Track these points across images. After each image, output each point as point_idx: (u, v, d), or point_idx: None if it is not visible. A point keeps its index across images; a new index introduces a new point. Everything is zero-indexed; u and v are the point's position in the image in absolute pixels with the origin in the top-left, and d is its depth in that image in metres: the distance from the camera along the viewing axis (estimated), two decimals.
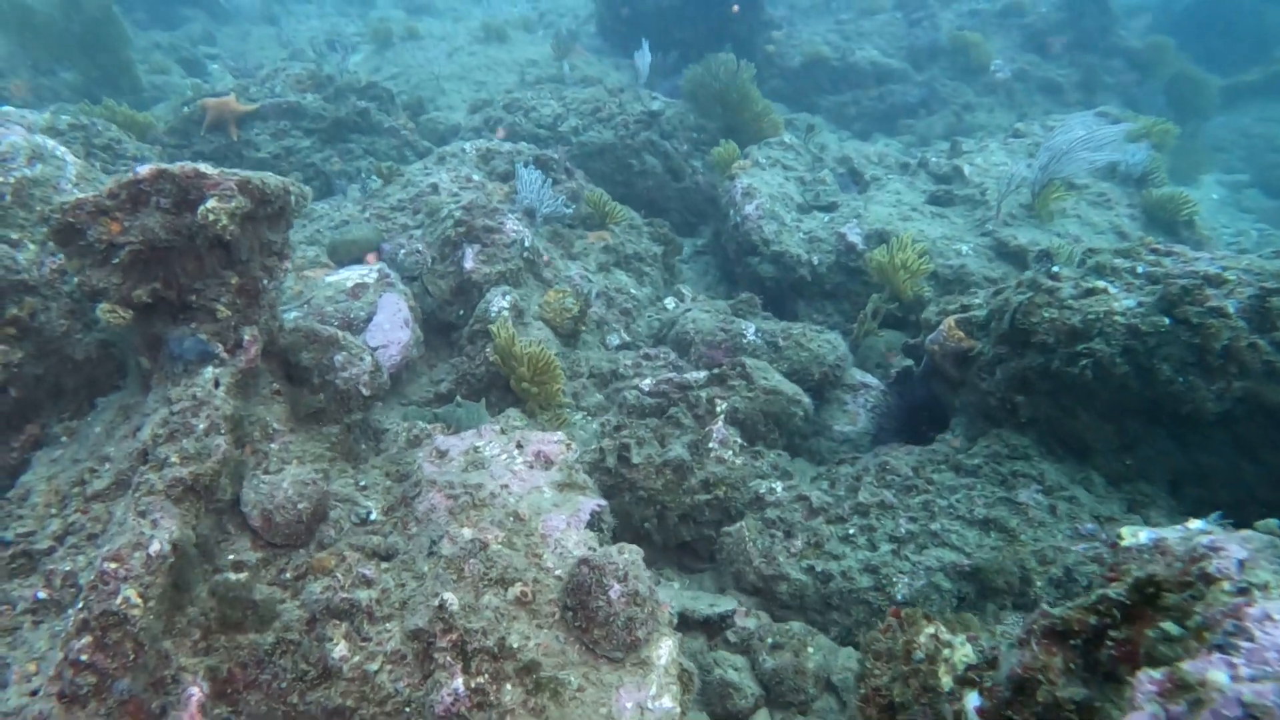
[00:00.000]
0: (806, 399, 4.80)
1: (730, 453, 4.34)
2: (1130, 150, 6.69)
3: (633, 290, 5.98)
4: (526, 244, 5.12)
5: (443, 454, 3.38)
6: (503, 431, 3.51)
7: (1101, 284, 3.60)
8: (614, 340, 5.56)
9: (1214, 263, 3.67)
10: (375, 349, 4.33)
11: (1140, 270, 3.67)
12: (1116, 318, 3.39)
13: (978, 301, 4.35)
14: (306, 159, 6.69)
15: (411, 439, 3.56)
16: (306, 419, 3.33)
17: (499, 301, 4.58)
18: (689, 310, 5.67)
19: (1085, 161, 6.05)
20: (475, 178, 5.84)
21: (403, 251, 4.89)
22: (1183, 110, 11.75)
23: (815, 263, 6.16)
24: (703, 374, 4.77)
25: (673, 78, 12.30)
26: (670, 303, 6.28)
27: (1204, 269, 3.45)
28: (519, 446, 3.41)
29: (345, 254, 4.75)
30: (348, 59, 9.75)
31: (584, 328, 5.09)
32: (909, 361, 5.34)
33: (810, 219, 6.60)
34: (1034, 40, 12.06)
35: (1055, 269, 3.83)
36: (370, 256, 4.84)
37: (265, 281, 3.09)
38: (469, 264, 4.79)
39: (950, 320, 4.18)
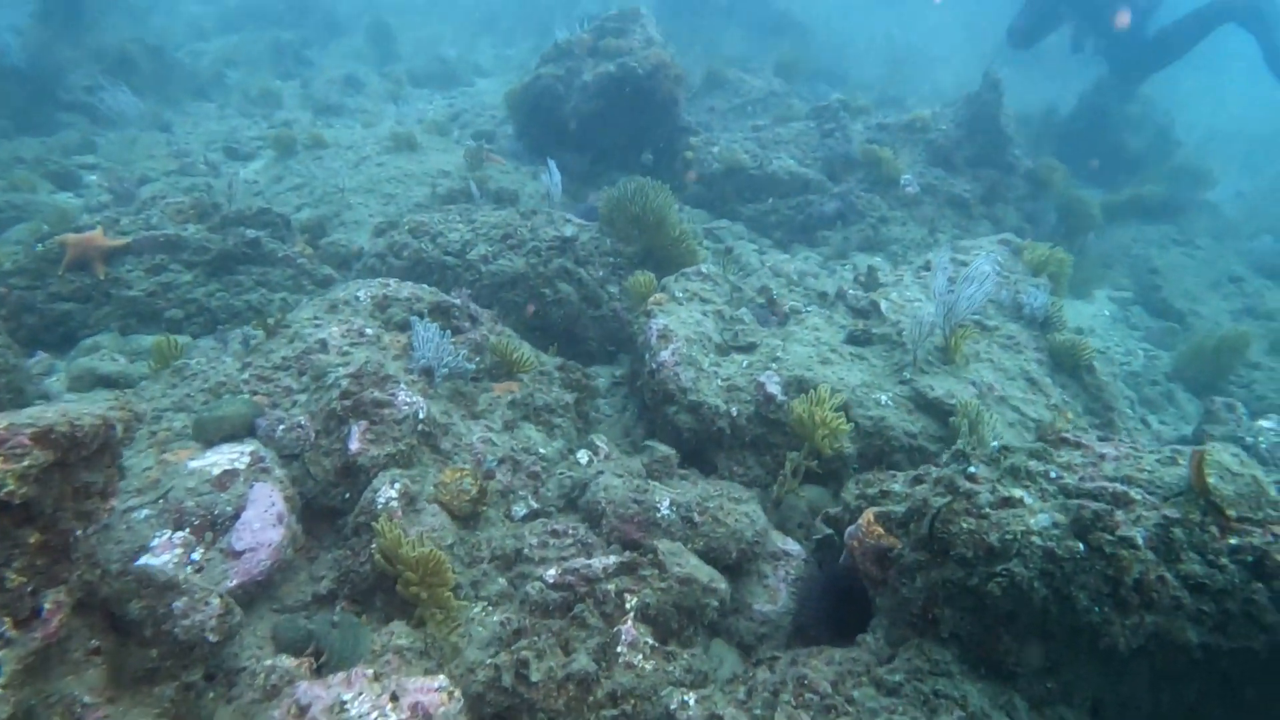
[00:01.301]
0: (723, 585, 4.58)
1: (640, 656, 4.06)
2: (1033, 293, 6.88)
3: (541, 449, 5.71)
4: (421, 415, 4.82)
5: (303, 711, 2.99)
6: (376, 678, 3.14)
7: (1018, 493, 3.53)
8: (520, 510, 5.25)
9: (1119, 465, 3.66)
10: (242, 553, 3.92)
11: (1053, 475, 3.62)
12: (1034, 539, 3.30)
13: (897, 488, 4.24)
14: (187, 295, 6.28)
15: (269, 688, 3.15)
16: (135, 680, 2.90)
17: (386, 491, 4.23)
18: (601, 475, 5.42)
19: (978, 303, 6.19)
20: (369, 331, 5.54)
21: (282, 427, 4.51)
22: (1072, 225, 12.42)
23: (734, 414, 6.02)
24: (612, 560, 4.50)
25: (592, 185, 12.37)
26: (583, 456, 6.02)
27: (1111, 487, 3.41)
28: (394, 699, 3.05)
29: (215, 432, 4.35)
30: (242, 171, 9.42)
31: (485, 507, 4.77)
32: (829, 530, 5.19)
33: (729, 363, 6.50)
34: (939, 155, 12.61)
35: (972, 469, 3.74)
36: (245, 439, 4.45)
37: (81, 531, 2.70)
38: (355, 445, 4.45)
39: (869, 514, 4.04)
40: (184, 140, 10.47)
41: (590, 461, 6.00)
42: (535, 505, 5.37)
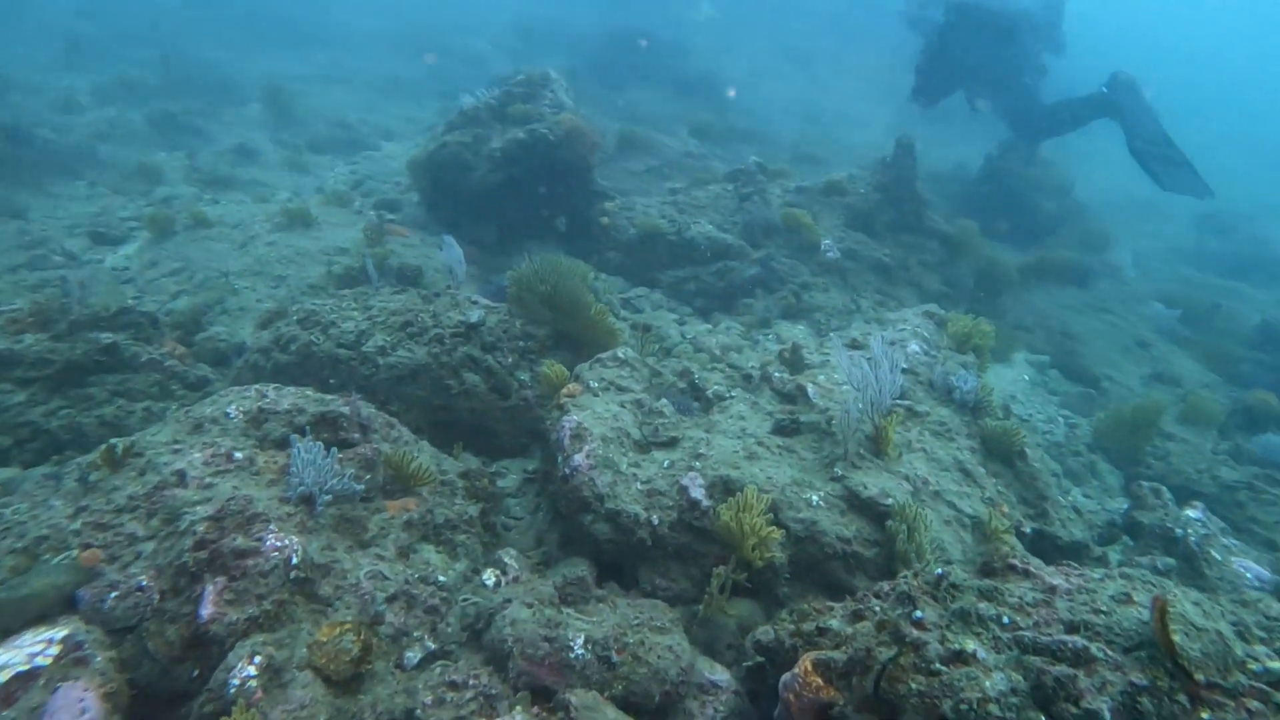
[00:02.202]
0: None
1: None
2: (963, 376, 6.71)
3: (441, 576, 5.13)
4: (295, 560, 4.21)
5: None
6: None
7: (970, 645, 3.16)
8: (414, 656, 4.65)
9: (1073, 605, 3.36)
10: None
11: (1005, 622, 3.28)
12: (991, 708, 2.92)
13: (836, 625, 3.84)
14: (19, 417, 5.51)
15: None
16: None
17: (243, 670, 3.59)
18: (508, 605, 4.87)
19: (898, 388, 6.00)
20: (239, 454, 4.90)
21: (114, 595, 3.81)
22: (989, 289, 12.61)
23: (655, 522, 5.58)
24: None
25: (503, 255, 11.95)
26: (489, 578, 5.46)
27: (1071, 643, 3.08)
28: None
29: (15, 617, 3.62)
30: (110, 257, 8.63)
31: (369, 666, 4.16)
32: (761, 659, 4.75)
33: (649, 462, 6.07)
34: (859, 219, 12.68)
35: (919, 615, 3.38)
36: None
37: None
38: (208, 609, 3.80)
39: (807, 662, 3.62)
40: (41, 226, 9.54)
41: (498, 584, 5.44)
42: (433, 646, 4.77)
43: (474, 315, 7.75)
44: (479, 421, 7.47)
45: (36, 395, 5.59)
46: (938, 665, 3.11)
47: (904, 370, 6.13)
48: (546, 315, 8.19)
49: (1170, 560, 6.07)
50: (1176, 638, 2.93)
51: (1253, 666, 3.01)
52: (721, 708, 4.62)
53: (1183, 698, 2.81)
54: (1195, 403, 9.99)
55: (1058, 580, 3.56)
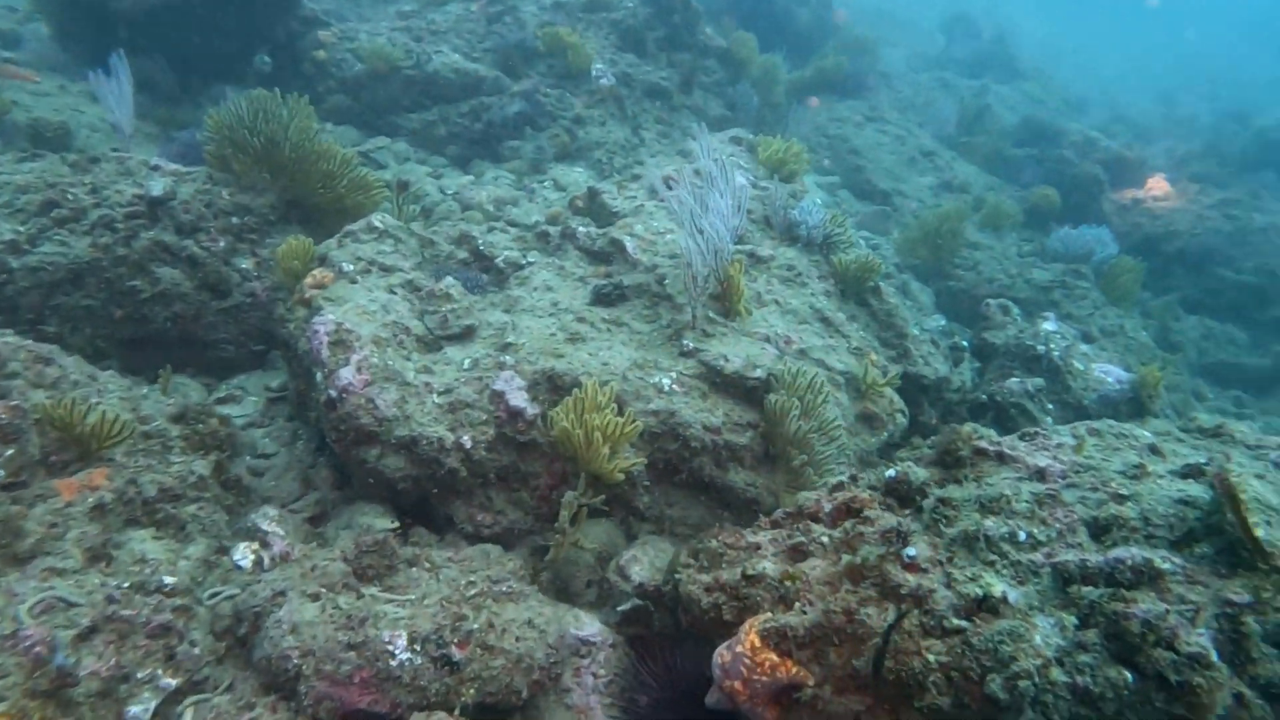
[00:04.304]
0: None
1: None
2: (808, 209, 5.88)
3: (167, 577, 3.59)
4: None
5: None
6: None
7: (994, 585, 2.34)
8: (142, 709, 3.18)
9: (1080, 492, 2.64)
10: None
11: (1022, 538, 2.49)
12: (1054, 674, 2.14)
13: (769, 569, 2.89)
14: None
15: None
16: None
17: None
18: (283, 604, 3.47)
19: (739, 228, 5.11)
20: None
21: None
22: (773, 108, 12.00)
23: (468, 445, 4.32)
24: None
25: (188, 107, 9.35)
26: (244, 557, 3.99)
27: (1128, 558, 2.34)
28: None
29: None
30: None
31: None
32: (640, 602, 3.81)
33: (443, 364, 4.71)
34: (629, 38, 11.31)
35: (911, 553, 2.50)
36: None
37: None
38: None
39: (752, 635, 2.66)
40: None
41: (259, 564, 4.00)
42: (173, 683, 3.32)
43: (156, 186, 5.65)
44: (189, 333, 5.60)
45: None
46: (957, 621, 2.28)
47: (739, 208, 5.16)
48: (264, 179, 6.22)
49: (1039, 380, 5.86)
50: (1259, 531, 2.31)
51: None
52: (602, 670, 3.67)
53: None
54: (993, 206, 10.06)
55: (1042, 460, 2.86)
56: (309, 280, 5.09)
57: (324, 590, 3.53)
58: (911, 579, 2.45)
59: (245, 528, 4.17)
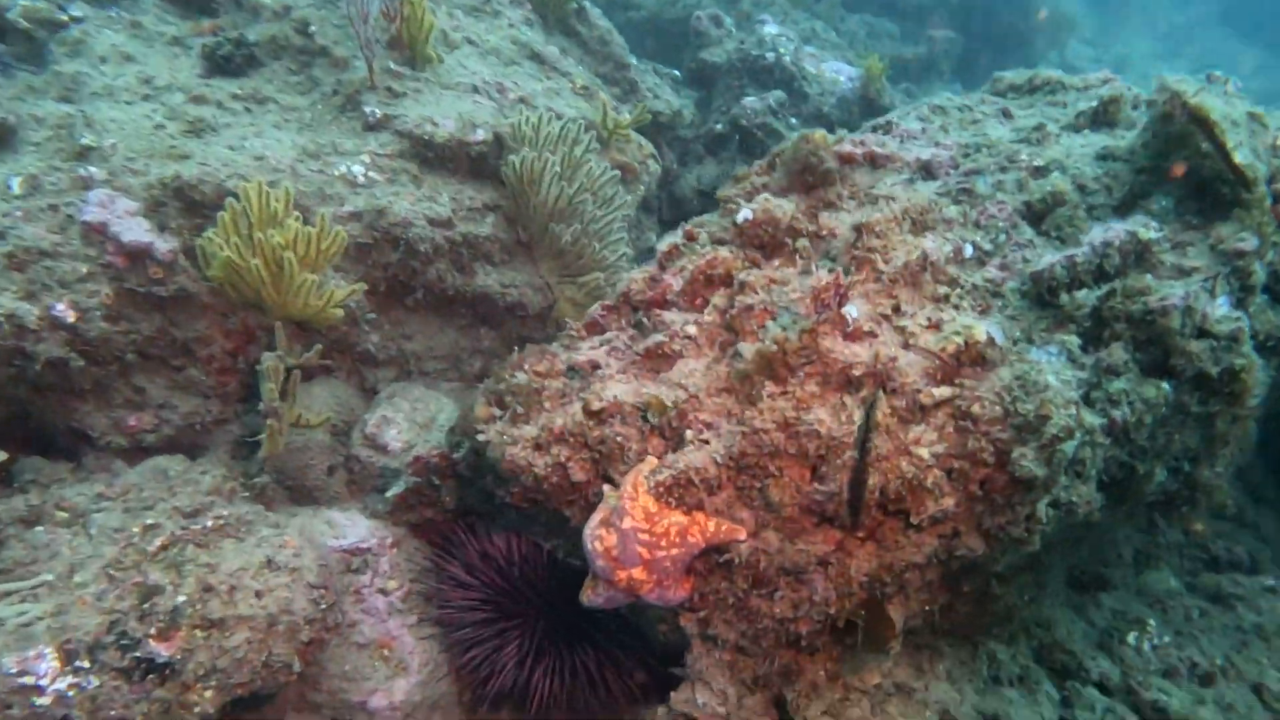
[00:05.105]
0: None
1: None
2: None
3: None
4: None
5: None
6: None
7: (973, 326, 1.75)
8: None
9: (1003, 178, 2.06)
10: None
11: (969, 253, 1.87)
12: (1086, 418, 1.75)
13: (614, 393, 1.99)
14: None
15: None
16: None
17: None
18: None
19: None
20: None
21: None
22: None
23: (70, 319, 2.76)
24: None
25: None
26: None
27: (1116, 238, 1.89)
28: None
29: None
30: None
31: None
32: (418, 479, 2.79)
33: None
34: None
35: (853, 313, 1.74)
36: None
37: None
38: None
39: (643, 496, 1.80)
40: None
41: None
42: None
43: None
44: None
45: None
46: (938, 391, 1.63)
47: None
48: None
49: (779, 93, 5.24)
50: (1238, 157, 1.88)
51: None
52: (392, 581, 2.69)
53: None
54: None
55: (923, 151, 2.19)
56: None
57: None
58: (862, 351, 1.73)
59: None
